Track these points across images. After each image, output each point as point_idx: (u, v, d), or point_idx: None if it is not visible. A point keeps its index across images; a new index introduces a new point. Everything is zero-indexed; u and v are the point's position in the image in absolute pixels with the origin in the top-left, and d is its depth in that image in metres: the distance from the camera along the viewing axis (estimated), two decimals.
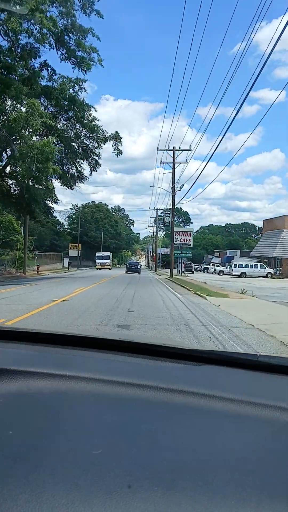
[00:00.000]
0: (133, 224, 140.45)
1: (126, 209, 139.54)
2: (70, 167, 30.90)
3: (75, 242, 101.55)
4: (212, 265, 77.51)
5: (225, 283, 35.16)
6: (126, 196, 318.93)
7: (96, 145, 29.35)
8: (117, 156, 30.05)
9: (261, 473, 0.62)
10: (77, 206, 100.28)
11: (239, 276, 53.48)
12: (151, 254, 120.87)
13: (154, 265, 75.34)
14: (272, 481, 0.60)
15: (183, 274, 48.91)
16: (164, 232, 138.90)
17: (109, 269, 64.72)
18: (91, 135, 29.11)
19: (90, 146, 29.54)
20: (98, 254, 75.04)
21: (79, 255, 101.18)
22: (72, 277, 33.85)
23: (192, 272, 73.25)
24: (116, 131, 29.26)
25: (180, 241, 49.15)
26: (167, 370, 1.07)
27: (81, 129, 28.90)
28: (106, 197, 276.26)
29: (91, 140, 29.35)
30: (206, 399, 0.85)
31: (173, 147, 36.75)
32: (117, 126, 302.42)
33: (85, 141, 29.40)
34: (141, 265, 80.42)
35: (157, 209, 67.24)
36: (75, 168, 30.94)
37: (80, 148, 29.62)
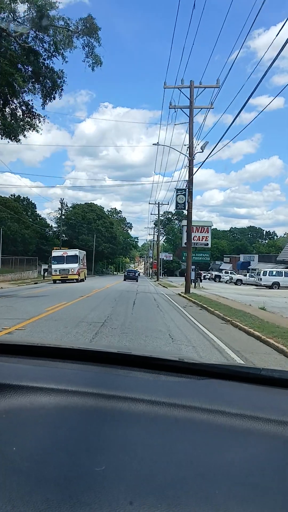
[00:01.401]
0: (130, 228, 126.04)
1: (124, 216, 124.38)
2: (8, 101, 16.37)
3: (64, 246, 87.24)
4: (225, 272, 62.85)
5: (272, 301, 20.69)
6: (124, 203, 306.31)
7: (54, 48, 15.14)
8: (92, 69, 16.07)
9: (263, 487, 0.61)
10: (63, 201, 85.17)
11: (271, 287, 38.93)
12: (151, 260, 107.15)
13: (156, 273, 60.61)
14: (275, 495, 0.59)
15: (197, 286, 35.03)
16: (164, 237, 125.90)
17: (77, 280, 36.55)
18: (42, 29, 14.69)
19: (41, 52, 15.26)
20: (55, 253, 39.06)
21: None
22: (14, 296, 18.34)
23: (201, 281, 59.20)
24: (89, 14, 15.25)
25: (194, 239, 34.89)
26: (169, 384, 1.05)
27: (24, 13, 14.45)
28: (105, 204, 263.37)
29: (43, 41, 15.10)
30: (208, 413, 0.84)
31: (191, 81, 22.42)
32: (116, 134, 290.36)
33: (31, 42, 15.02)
34: (140, 273, 74.78)
35: (158, 204, 53.04)
36: (17, 102, 16.43)
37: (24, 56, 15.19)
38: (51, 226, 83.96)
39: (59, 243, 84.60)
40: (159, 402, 0.87)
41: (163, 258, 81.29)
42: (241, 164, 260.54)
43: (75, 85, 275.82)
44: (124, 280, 48.47)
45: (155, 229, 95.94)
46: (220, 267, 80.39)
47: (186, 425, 0.81)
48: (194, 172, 22.34)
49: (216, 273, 69.18)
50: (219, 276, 61.81)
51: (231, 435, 0.78)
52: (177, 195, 23.12)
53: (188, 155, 22.48)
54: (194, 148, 22.15)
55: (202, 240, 34.23)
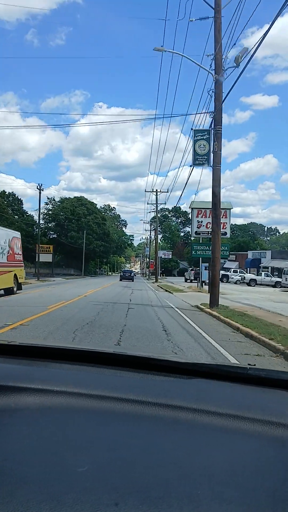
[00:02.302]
0: (125, 226, 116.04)
1: (119, 214, 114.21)
2: None
3: (53, 243, 77.43)
4: (233, 271, 53.33)
5: None
6: (120, 203, 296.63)
7: None
8: None
9: (248, 487, 0.60)
10: (41, 187, 75.22)
11: None
12: (147, 260, 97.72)
13: (154, 273, 50.97)
14: (259, 496, 0.58)
15: (202, 288, 25.92)
16: (161, 235, 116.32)
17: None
18: None
19: None
20: None
21: (54, 259, 77.22)
22: None
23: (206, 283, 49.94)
24: None
25: (208, 227, 25.50)
26: (156, 383, 1.03)
27: None
28: (100, 204, 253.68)
29: None
30: (194, 413, 0.82)
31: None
32: (111, 134, 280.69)
33: None
34: (135, 273, 71.93)
35: (156, 191, 43.49)
36: None
37: None
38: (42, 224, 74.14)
39: (46, 242, 75.05)
40: (145, 402, 0.85)
41: (161, 257, 72.09)
42: (236, 163, 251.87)
43: (69, 85, 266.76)
44: (120, 280, 46.22)
45: (152, 227, 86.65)
46: (225, 266, 71.00)
47: (171, 425, 0.79)
48: (223, 99, 12.81)
49: (223, 272, 59.91)
50: (227, 276, 52.41)
51: (217, 434, 0.77)
52: (195, 141, 13.45)
53: (213, 69, 12.94)
54: (223, 59, 12.61)
55: (219, 227, 24.69)
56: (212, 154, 13.34)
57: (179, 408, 0.83)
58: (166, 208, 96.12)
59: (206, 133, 13.36)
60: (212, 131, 13.20)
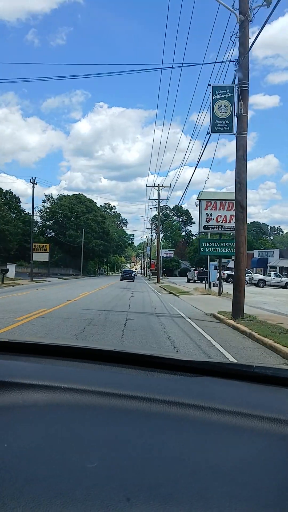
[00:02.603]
0: (126, 225, 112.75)
1: (119, 212, 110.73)
2: None
3: (50, 242, 74.16)
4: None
5: None
6: (121, 203, 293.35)
7: None
8: None
9: (256, 485, 0.60)
10: (34, 181, 71.77)
11: None
12: (147, 260, 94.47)
13: (156, 273, 47.80)
14: (267, 493, 0.58)
15: (209, 290, 22.39)
16: (162, 235, 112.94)
17: None
18: None
19: None
20: None
21: (52, 259, 73.92)
22: None
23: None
24: None
25: (219, 221, 22.38)
26: (162, 381, 1.04)
27: None
28: (100, 203, 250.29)
29: None
30: (201, 411, 0.82)
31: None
32: (111, 134, 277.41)
33: None
34: (136, 273, 70.79)
35: (158, 186, 40.30)
36: None
37: None
38: (36, 221, 70.92)
39: (43, 240, 71.86)
40: (153, 399, 0.85)
41: (163, 256, 69.09)
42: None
43: (70, 85, 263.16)
44: (121, 280, 45.58)
45: (153, 225, 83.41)
46: (229, 265, 67.78)
47: (179, 422, 0.79)
48: (250, 45, 9.59)
49: (227, 272, 56.64)
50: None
51: (224, 432, 0.77)
52: (214, 101, 10.09)
53: (237, 9, 9.73)
54: None
55: (230, 221, 21.46)
56: (235, 118, 10.10)
57: (186, 405, 0.83)
58: (167, 207, 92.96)
59: (228, 90, 10.04)
60: (236, 88, 9.95)
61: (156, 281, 41.94)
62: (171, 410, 0.82)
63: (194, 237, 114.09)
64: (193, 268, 49.57)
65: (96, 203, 74.92)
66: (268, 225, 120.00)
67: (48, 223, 70.72)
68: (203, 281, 47.67)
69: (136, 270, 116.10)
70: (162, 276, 72.54)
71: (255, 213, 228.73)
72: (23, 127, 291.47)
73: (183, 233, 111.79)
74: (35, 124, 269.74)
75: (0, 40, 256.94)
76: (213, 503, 0.54)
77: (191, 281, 47.17)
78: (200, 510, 0.53)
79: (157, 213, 73.13)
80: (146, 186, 39.92)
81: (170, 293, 24.60)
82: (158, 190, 41.40)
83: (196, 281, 46.07)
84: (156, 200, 41.57)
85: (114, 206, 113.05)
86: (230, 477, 0.61)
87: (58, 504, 0.52)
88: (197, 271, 47.80)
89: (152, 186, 41.60)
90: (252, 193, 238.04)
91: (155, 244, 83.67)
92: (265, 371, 1.07)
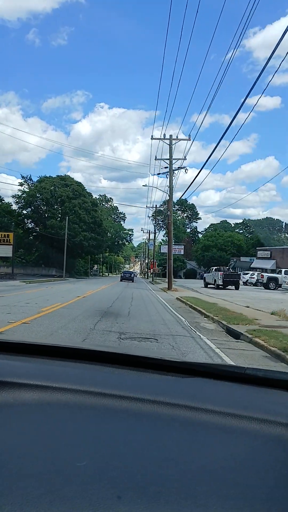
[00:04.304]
0: (124, 220, 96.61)
1: (121, 223, 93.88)
2: None
3: (28, 234, 58.04)
4: (272, 272, 34.20)
5: None
6: (120, 204, 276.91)
7: None
8: None
9: (245, 485, 0.60)
10: (29, 178, 55.48)
11: None
12: (147, 260, 78.90)
13: (167, 277, 31.81)
14: (255, 493, 0.58)
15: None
16: (164, 232, 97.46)
17: None
18: None
19: None
20: None
21: (31, 256, 57.74)
22: None
23: (237, 287, 31.34)
24: None
25: None
26: (153, 382, 1.02)
27: None
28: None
29: None
30: (192, 411, 0.82)
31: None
32: (112, 135, 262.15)
33: None
34: (136, 274, 65.99)
35: (170, 137, 24.51)
36: None
37: None
38: (13, 210, 54.85)
39: (21, 232, 55.82)
40: (143, 400, 0.84)
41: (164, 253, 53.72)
42: (237, 165, 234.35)
43: (71, 86, 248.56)
44: (121, 280, 44.95)
45: (154, 223, 67.39)
46: (253, 265, 51.76)
47: (169, 423, 0.78)
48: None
49: (268, 274, 40.90)
50: (276, 280, 33.33)
51: (214, 432, 0.76)
52: None
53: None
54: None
55: None
56: None
57: (177, 406, 0.82)
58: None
59: None
60: None
61: (167, 287, 26.15)
62: (161, 410, 0.81)
63: (200, 234, 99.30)
64: (214, 268, 33.53)
65: (85, 188, 58.88)
66: (283, 222, 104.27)
67: (25, 211, 54.66)
68: (229, 287, 32.54)
69: (135, 271, 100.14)
70: (158, 277, 56.81)
71: (255, 215, 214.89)
72: (24, 127, 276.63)
73: (188, 230, 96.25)
74: (35, 124, 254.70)
75: (1, 40, 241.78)
76: (202, 502, 0.54)
77: (212, 285, 31.71)
78: (189, 508, 0.53)
79: (159, 209, 58.83)
80: (152, 138, 23.66)
81: (217, 322, 8.90)
82: (170, 142, 25.61)
83: (220, 286, 30.60)
84: (169, 158, 25.71)
85: (110, 198, 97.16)
86: (219, 477, 0.61)
87: (46, 501, 0.51)
88: (221, 272, 31.66)
89: (162, 139, 25.88)
90: (252, 195, 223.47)
91: (158, 241, 68.79)
92: (256, 372, 1.06)
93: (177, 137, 26.09)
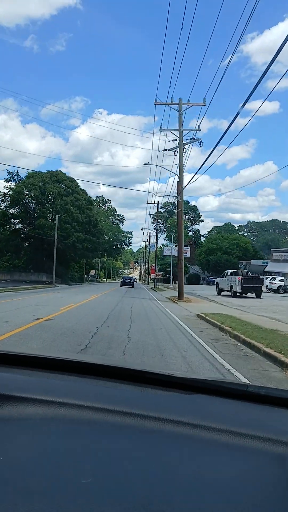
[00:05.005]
0: (122, 222, 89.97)
1: (120, 225, 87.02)
2: None
3: (16, 236, 51.61)
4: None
5: None
6: (119, 210, 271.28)
7: None
8: None
9: (247, 503, 0.59)
10: (16, 174, 49.34)
11: None
12: (147, 265, 72.56)
13: (177, 282, 25.36)
14: (258, 511, 0.58)
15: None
16: (165, 235, 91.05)
17: None
18: None
19: None
20: None
21: (18, 260, 51.57)
22: None
23: (259, 295, 25.35)
24: None
25: None
26: (156, 398, 1.01)
27: None
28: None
29: None
30: (194, 428, 0.80)
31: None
32: (111, 140, 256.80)
33: None
34: (135, 279, 64.67)
35: (180, 101, 18.16)
36: None
37: None
38: (1, 209, 48.51)
39: (7, 234, 49.48)
40: (146, 416, 0.83)
41: (173, 256, 47.09)
42: (235, 170, 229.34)
43: (70, 92, 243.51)
44: (121, 285, 43.53)
45: (154, 226, 61.02)
46: (267, 269, 45.35)
47: (172, 440, 0.77)
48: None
49: (271, 279, 34.58)
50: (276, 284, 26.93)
51: (217, 450, 0.75)
52: None
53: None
54: None
55: None
56: None
57: (180, 423, 0.81)
58: (171, 203, 70.44)
59: None
60: None
61: (178, 296, 19.68)
62: (164, 427, 0.80)
63: (203, 238, 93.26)
64: (230, 272, 27.30)
65: (79, 185, 52.59)
66: None
67: (12, 210, 48.31)
68: (246, 291, 26.18)
69: (134, 277, 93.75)
70: (172, 283, 50.23)
71: (254, 219, 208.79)
72: (22, 133, 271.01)
73: (190, 233, 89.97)
74: (34, 130, 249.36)
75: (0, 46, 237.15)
76: None
77: (228, 291, 25.72)
78: None
79: (160, 211, 52.13)
80: (155, 103, 17.24)
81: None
82: (180, 108, 19.42)
83: (238, 294, 24.41)
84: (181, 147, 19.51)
85: (108, 199, 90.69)
86: (222, 495, 0.60)
87: None
88: (240, 277, 25.39)
89: (170, 104, 19.66)
90: (251, 200, 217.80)
91: (159, 246, 61.86)
92: (258, 390, 1.04)
93: (188, 100, 19.79)
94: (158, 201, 46.17)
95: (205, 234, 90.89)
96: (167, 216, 73.43)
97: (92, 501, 0.55)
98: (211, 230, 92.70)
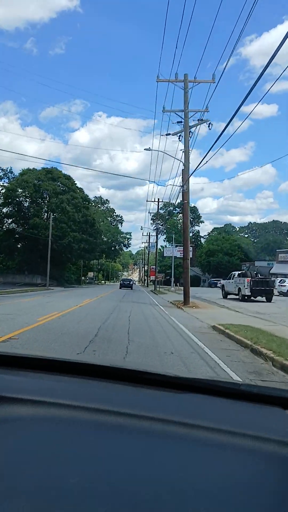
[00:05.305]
0: (121, 223, 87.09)
1: (118, 226, 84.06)
2: None
3: (9, 236, 48.87)
4: None
5: None
6: (118, 212, 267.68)
7: None
8: None
9: (240, 503, 0.58)
10: (9, 171, 46.78)
11: None
12: (146, 267, 69.81)
13: (183, 283, 22.81)
14: (251, 510, 0.57)
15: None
16: (164, 236, 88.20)
17: None
18: None
19: None
20: None
21: (11, 261, 49.05)
22: None
23: (270, 299, 22.70)
24: None
25: None
26: (149, 397, 1.00)
27: None
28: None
29: None
30: (186, 428, 0.80)
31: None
32: (110, 143, 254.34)
33: None
34: (134, 282, 63.83)
35: (184, 78, 15.52)
36: None
37: None
38: None
39: (0, 234, 46.79)
40: (138, 416, 0.82)
41: (175, 257, 44.76)
42: (234, 172, 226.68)
43: (69, 95, 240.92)
44: (120, 288, 43.51)
45: (154, 226, 58.38)
46: (272, 271, 42.65)
47: (164, 439, 0.77)
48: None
49: (280, 281, 31.93)
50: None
51: (208, 449, 0.74)
52: None
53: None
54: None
55: None
56: None
57: (172, 422, 0.81)
58: (171, 203, 67.80)
59: None
60: None
61: (183, 301, 17.02)
62: (156, 427, 0.79)
63: (203, 239, 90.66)
64: (237, 274, 24.68)
65: (76, 183, 49.91)
66: None
67: (5, 209, 45.60)
68: (257, 293, 23.63)
69: (133, 279, 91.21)
70: (174, 285, 47.47)
71: (252, 221, 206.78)
72: (21, 136, 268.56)
73: (190, 234, 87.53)
74: (34, 133, 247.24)
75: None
76: None
77: (235, 294, 23.21)
78: None
79: (159, 211, 49.55)
80: (157, 80, 14.61)
81: None
82: (185, 85, 16.88)
83: (246, 298, 21.84)
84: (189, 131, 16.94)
85: (107, 200, 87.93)
86: (212, 495, 0.59)
87: None
88: (248, 279, 22.80)
89: (174, 80, 17.06)
90: (249, 203, 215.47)
91: (159, 248, 58.91)
92: (251, 389, 1.03)
93: (194, 77, 17.19)
94: (158, 199, 43.44)
95: (205, 236, 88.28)
96: (167, 216, 70.82)
97: (79, 500, 0.54)
98: (211, 231, 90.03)
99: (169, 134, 18.25)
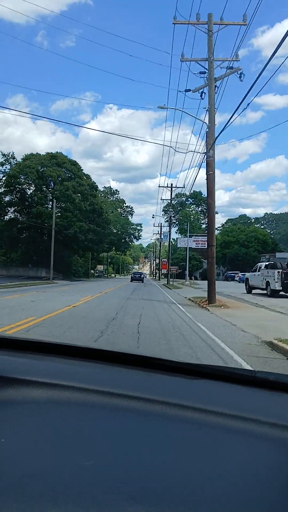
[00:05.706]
0: (132, 214, 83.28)
1: (128, 218, 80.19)
2: None
3: (12, 226, 45.67)
4: None
5: None
6: (129, 205, 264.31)
7: None
8: None
9: (252, 489, 0.58)
10: (11, 157, 43.34)
11: None
12: (157, 260, 66.15)
13: (208, 278, 19.21)
14: (262, 498, 0.57)
15: None
16: (177, 228, 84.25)
17: None
18: None
19: None
20: None
21: (14, 253, 45.95)
22: None
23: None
24: None
25: None
26: (163, 383, 1.00)
27: None
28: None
29: None
30: (201, 413, 0.79)
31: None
32: (120, 137, 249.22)
33: None
34: (145, 275, 60.80)
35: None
36: None
37: None
38: None
39: (2, 224, 43.57)
40: (152, 400, 0.81)
41: (191, 247, 41.03)
42: (246, 164, 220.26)
43: (80, 87, 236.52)
44: (131, 281, 44.51)
45: (166, 218, 54.53)
46: None
47: (177, 424, 0.76)
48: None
49: None
50: None
51: (222, 435, 0.74)
52: None
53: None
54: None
55: None
56: None
57: (186, 407, 0.80)
58: (183, 194, 63.36)
59: None
60: None
61: (208, 299, 13.39)
62: (170, 412, 0.79)
63: (217, 230, 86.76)
64: (265, 265, 21.08)
65: (82, 169, 46.30)
66: None
67: (7, 197, 42.29)
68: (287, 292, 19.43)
69: (144, 272, 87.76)
70: (188, 279, 43.63)
71: (269, 213, 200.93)
72: (32, 129, 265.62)
73: (203, 225, 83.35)
74: (44, 126, 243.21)
75: (10, 42, 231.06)
76: (207, 506, 0.52)
77: (259, 290, 19.79)
78: None
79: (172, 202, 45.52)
80: (174, 22, 10.80)
81: None
82: (209, 26, 13.12)
83: (277, 292, 18.26)
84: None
85: (116, 190, 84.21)
86: (227, 481, 0.59)
87: (49, 499, 0.51)
88: (279, 270, 19.20)
89: (195, 23, 13.51)
90: (262, 195, 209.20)
91: (172, 240, 54.66)
92: (267, 376, 1.02)
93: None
94: (172, 184, 39.52)
95: (219, 227, 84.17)
96: (179, 208, 66.88)
97: (92, 483, 0.55)
98: (225, 223, 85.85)
99: (189, 90, 14.46)
